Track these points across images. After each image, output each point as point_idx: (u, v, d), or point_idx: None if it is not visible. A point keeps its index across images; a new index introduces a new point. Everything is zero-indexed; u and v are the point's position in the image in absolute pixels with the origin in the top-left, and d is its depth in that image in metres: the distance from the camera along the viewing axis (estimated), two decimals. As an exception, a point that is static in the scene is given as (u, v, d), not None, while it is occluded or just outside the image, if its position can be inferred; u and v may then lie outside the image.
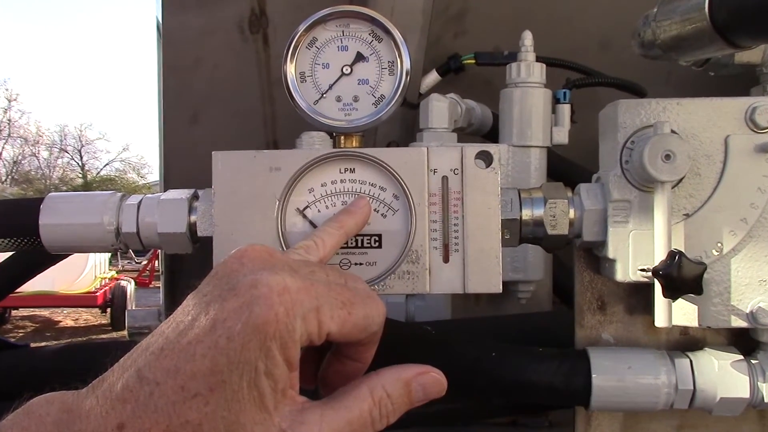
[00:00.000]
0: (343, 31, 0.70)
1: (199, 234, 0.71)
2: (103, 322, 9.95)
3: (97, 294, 9.07)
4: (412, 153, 0.67)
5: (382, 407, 0.52)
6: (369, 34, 0.70)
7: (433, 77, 1.34)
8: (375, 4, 1.25)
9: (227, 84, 1.39)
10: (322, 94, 0.70)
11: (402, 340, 0.77)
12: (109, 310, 9.42)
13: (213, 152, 0.68)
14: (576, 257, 0.76)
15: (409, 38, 1.28)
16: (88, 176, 26.83)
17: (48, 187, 25.02)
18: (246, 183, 0.68)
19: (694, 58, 0.67)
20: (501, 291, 0.67)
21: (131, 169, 27.72)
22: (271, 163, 0.68)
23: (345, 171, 0.68)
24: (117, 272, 11.16)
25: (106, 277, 9.87)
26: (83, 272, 8.96)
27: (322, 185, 0.68)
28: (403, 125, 1.33)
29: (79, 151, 27.36)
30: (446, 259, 0.67)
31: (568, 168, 1.27)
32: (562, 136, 1.13)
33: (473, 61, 1.33)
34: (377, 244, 0.68)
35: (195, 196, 0.72)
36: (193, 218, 0.71)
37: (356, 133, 0.71)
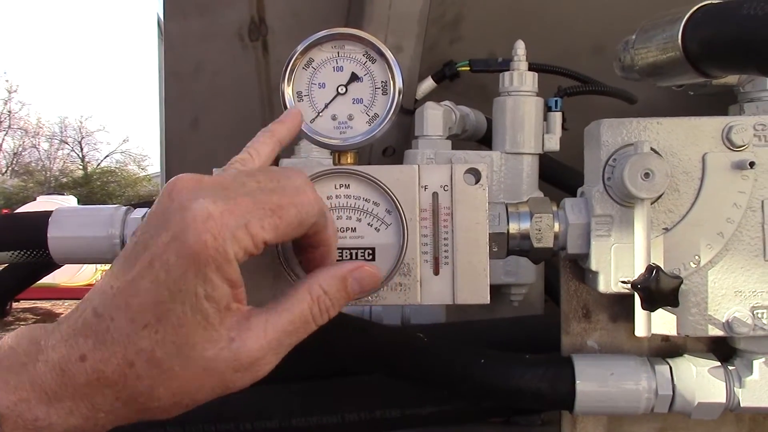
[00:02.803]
0: (338, 53, 0.73)
1: (201, 247, 0.74)
2: (104, 314, 9.99)
3: (99, 287, 9.12)
4: (404, 171, 0.70)
5: (320, 303, 0.58)
6: (363, 56, 0.73)
7: (428, 84, 1.37)
8: (372, 13, 1.28)
9: (227, 90, 1.42)
10: (318, 113, 0.73)
11: (393, 348, 0.81)
12: (110, 302, 9.46)
13: (214, 169, 0.71)
14: (562, 267, 0.79)
15: (405, 46, 1.31)
16: (89, 168, 26.84)
17: (48, 179, 25.05)
18: (246, 199, 0.71)
19: (670, 84, 0.70)
20: (489, 302, 0.70)
21: (132, 160, 27.72)
22: (270, 180, 0.71)
23: (340, 187, 0.71)
24: (118, 265, 11.19)
25: (106, 270, 9.91)
26: (84, 265, 9.01)
27: (318, 200, 0.71)
28: (399, 131, 1.36)
29: (80, 142, 27.35)
30: (437, 272, 0.70)
31: (563, 171, 1.30)
32: (553, 143, 1.16)
33: (468, 68, 1.36)
34: (371, 257, 0.71)
35: (197, 210, 0.76)
36: (195, 231, 0.74)
37: (351, 150, 0.73)
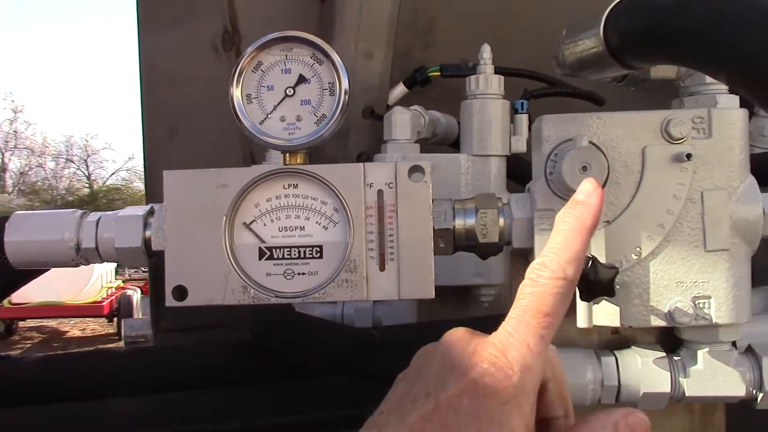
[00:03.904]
0: (286, 55, 0.75)
1: (154, 248, 0.75)
2: (110, 331, 10.01)
3: (104, 303, 9.15)
4: (350, 169, 0.72)
5: None
6: (310, 58, 0.75)
7: (400, 89, 1.38)
8: (342, 21, 1.29)
9: (203, 100, 1.43)
10: (267, 115, 0.74)
11: (349, 347, 0.82)
12: (115, 319, 9.49)
13: (164, 171, 0.73)
14: (512, 262, 0.80)
15: (376, 52, 1.33)
16: (95, 186, 26.97)
17: (55, 197, 25.16)
18: (195, 200, 0.72)
19: (601, 77, 0.71)
20: (434, 296, 0.71)
21: (137, 178, 27.78)
22: (218, 181, 0.72)
23: (289, 186, 0.73)
24: (123, 281, 11.23)
25: (112, 287, 9.93)
26: (89, 282, 9.03)
27: (267, 200, 0.73)
28: (372, 136, 1.37)
29: (85, 161, 27.52)
30: (382, 268, 0.71)
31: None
32: (520, 145, 1.17)
33: (438, 73, 1.37)
34: (319, 254, 0.72)
35: (151, 212, 0.77)
36: (147, 233, 0.76)
37: (300, 150, 0.75)
